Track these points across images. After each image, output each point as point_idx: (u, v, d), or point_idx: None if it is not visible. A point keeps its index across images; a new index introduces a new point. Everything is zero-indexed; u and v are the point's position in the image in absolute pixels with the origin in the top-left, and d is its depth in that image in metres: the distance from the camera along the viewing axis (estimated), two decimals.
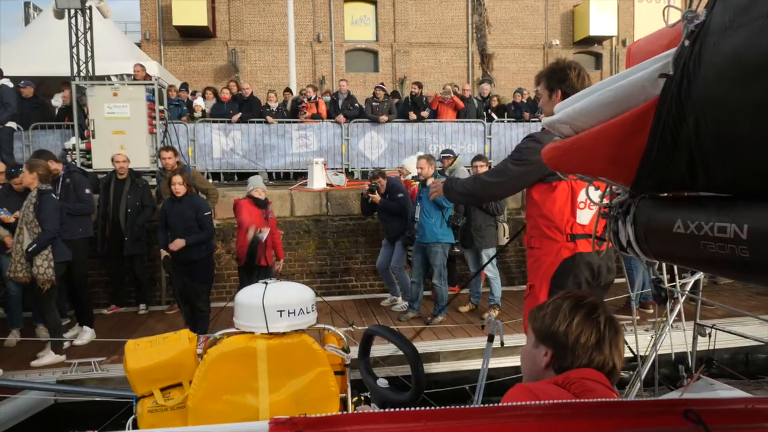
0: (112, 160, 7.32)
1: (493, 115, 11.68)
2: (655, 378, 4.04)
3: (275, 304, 2.84)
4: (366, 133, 11.25)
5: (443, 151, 8.31)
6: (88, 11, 9.71)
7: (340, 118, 11.12)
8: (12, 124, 9.31)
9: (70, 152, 9.11)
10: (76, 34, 9.75)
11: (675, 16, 1.21)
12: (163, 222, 6.21)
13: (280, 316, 2.84)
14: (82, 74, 9.65)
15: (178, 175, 6.08)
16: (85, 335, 6.38)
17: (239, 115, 10.85)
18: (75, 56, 9.73)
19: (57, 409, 5.02)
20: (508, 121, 11.65)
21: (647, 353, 4.15)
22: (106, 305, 7.68)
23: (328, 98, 12.12)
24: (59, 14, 9.77)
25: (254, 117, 11.02)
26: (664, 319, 4.53)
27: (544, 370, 1.38)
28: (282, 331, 2.86)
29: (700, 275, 4.68)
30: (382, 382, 1.80)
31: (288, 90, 12.46)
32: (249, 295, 2.94)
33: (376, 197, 7.35)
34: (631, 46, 1.53)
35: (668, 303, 4.32)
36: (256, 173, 11.05)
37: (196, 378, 2.85)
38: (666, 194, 1.38)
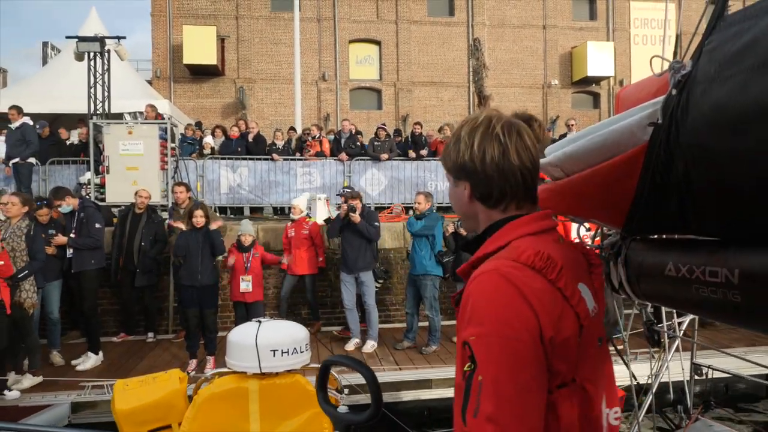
0: (136, 194, 7.73)
1: None
2: (653, 421, 4.01)
3: (268, 343, 2.75)
4: (367, 170, 11.72)
5: (345, 188, 8.17)
6: (106, 54, 10.31)
7: (343, 155, 11.61)
8: (32, 160, 9.81)
9: (84, 186, 9.56)
10: (95, 75, 10.34)
11: (662, 65, 1.29)
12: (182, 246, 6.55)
13: (273, 355, 2.75)
14: (98, 113, 10.18)
15: (200, 209, 6.54)
16: (89, 361, 6.72)
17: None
18: (92, 96, 10.29)
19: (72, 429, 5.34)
20: None
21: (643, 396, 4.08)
22: (115, 333, 8.03)
23: (332, 137, 12.63)
24: (79, 56, 10.37)
25: (260, 154, 11.52)
26: (652, 351, 4.44)
27: (470, 203, 1.29)
28: (275, 371, 2.76)
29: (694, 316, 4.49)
30: (343, 409, 1.84)
31: (292, 129, 12.98)
32: (242, 334, 2.86)
33: (357, 218, 7.00)
34: (620, 93, 1.58)
35: (665, 344, 4.19)
36: (262, 208, 11.54)
37: (186, 420, 2.74)
38: (657, 236, 1.38)
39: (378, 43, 25.04)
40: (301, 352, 2.89)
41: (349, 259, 7.23)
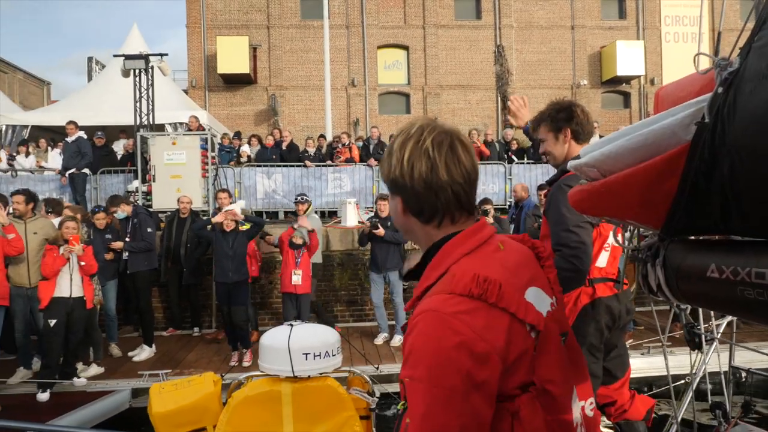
0: (178, 201, 8.43)
1: (513, 157, 12.50)
2: (694, 425, 3.85)
3: (301, 346, 2.79)
4: None
5: (298, 195, 8.52)
6: (150, 70, 11.04)
7: (372, 161, 12.14)
8: (86, 170, 10.62)
9: (132, 194, 10.29)
10: (140, 91, 11.07)
11: (705, 63, 1.25)
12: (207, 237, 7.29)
13: (306, 359, 2.79)
14: (144, 125, 10.92)
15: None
16: (144, 353, 7.45)
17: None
18: (138, 110, 11.01)
19: (132, 412, 6.03)
20: (528, 163, 12.45)
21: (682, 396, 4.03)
22: (164, 328, 8.75)
23: (360, 144, 13.18)
24: (126, 73, 11.13)
25: (293, 161, 12.15)
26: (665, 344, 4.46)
27: (405, 218, 1.27)
28: (307, 374, 2.80)
29: (733, 317, 4.26)
30: None
31: (322, 136, 13.58)
32: (274, 338, 2.90)
33: (381, 231, 7.63)
34: (659, 91, 1.50)
35: (703, 347, 3.87)
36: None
37: (221, 422, 2.79)
38: (695, 237, 1.36)
39: (406, 48, 25.28)
40: (333, 355, 2.91)
41: (379, 260, 7.83)
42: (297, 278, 7.42)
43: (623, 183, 1.27)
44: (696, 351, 3.64)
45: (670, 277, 1.35)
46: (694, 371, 3.92)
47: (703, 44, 25.78)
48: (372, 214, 9.17)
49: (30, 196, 6.52)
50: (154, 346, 7.58)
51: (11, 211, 6.54)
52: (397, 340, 7.89)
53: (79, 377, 6.38)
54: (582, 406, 1.24)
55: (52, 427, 4.88)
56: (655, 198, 1.22)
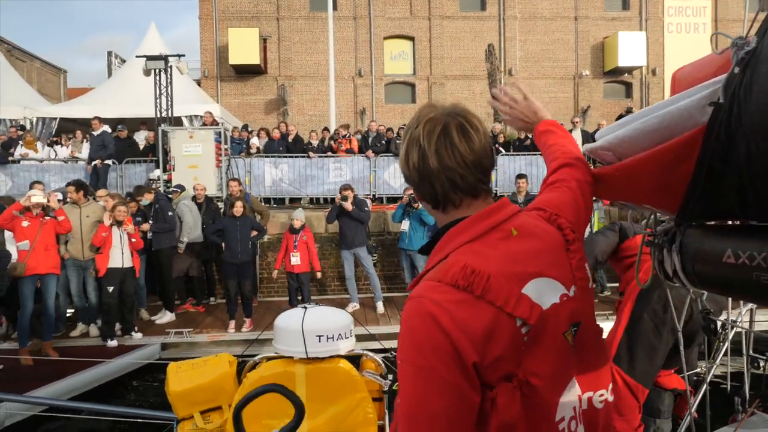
0: (194, 188, 9.63)
1: (501, 149, 13.50)
2: (707, 414, 3.76)
3: (314, 328, 2.85)
4: (391, 165, 13.23)
5: (175, 185, 9.45)
6: (169, 69, 12.18)
7: (370, 153, 13.24)
8: (108, 161, 11.85)
9: (154, 182, 11.48)
10: (159, 88, 12.22)
11: (722, 43, 1.20)
12: (217, 228, 8.45)
13: (319, 341, 2.85)
14: (164, 119, 12.09)
15: (240, 201, 8.32)
16: (165, 317, 8.78)
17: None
18: (158, 106, 12.18)
19: (161, 363, 7.29)
20: (511, 154, 13.42)
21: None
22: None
23: (360, 136, 14.28)
24: (147, 72, 12.29)
25: (298, 152, 13.31)
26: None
27: (423, 203, 1.30)
28: (320, 356, 2.87)
29: (752, 305, 4.46)
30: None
31: (326, 129, 14.69)
32: (288, 320, 2.97)
33: (348, 205, 8.60)
34: (676, 73, 1.45)
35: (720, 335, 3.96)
36: (300, 199, 13.33)
37: (236, 402, 2.86)
38: (713, 222, 1.32)
39: (412, 38, 25.80)
40: (346, 337, 2.97)
41: (348, 238, 8.86)
42: (296, 259, 8.56)
43: (639, 167, 1.24)
44: (713, 338, 3.50)
45: (687, 263, 1.33)
46: (710, 360, 3.85)
47: (707, 34, 26.11)
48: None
49: (79, 186, 7.98)
50: (174, 312, 8.85)
51: (66, 198, 8.03)
52: (379, 306, 9.10)
53: (136, 332, 7.86)
54: (589, 398, 1.21)
55: (27, 398, 5.22)
56: (672, 182, 1.19)
